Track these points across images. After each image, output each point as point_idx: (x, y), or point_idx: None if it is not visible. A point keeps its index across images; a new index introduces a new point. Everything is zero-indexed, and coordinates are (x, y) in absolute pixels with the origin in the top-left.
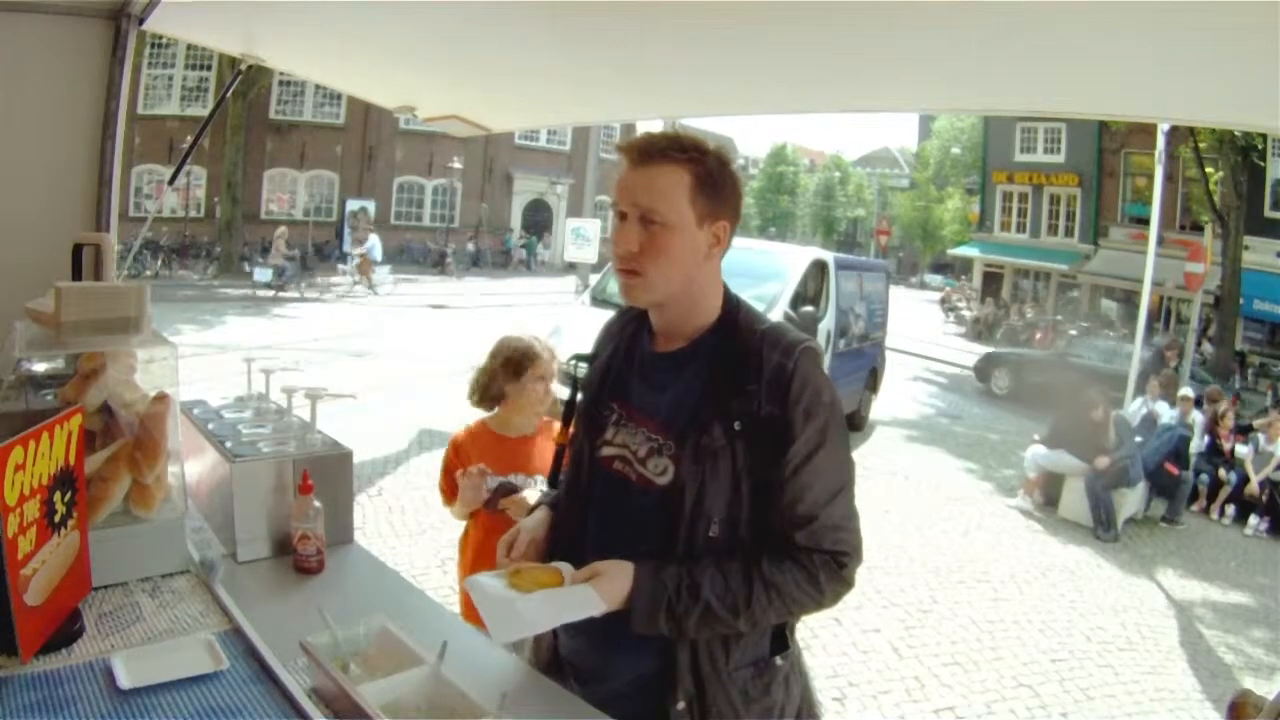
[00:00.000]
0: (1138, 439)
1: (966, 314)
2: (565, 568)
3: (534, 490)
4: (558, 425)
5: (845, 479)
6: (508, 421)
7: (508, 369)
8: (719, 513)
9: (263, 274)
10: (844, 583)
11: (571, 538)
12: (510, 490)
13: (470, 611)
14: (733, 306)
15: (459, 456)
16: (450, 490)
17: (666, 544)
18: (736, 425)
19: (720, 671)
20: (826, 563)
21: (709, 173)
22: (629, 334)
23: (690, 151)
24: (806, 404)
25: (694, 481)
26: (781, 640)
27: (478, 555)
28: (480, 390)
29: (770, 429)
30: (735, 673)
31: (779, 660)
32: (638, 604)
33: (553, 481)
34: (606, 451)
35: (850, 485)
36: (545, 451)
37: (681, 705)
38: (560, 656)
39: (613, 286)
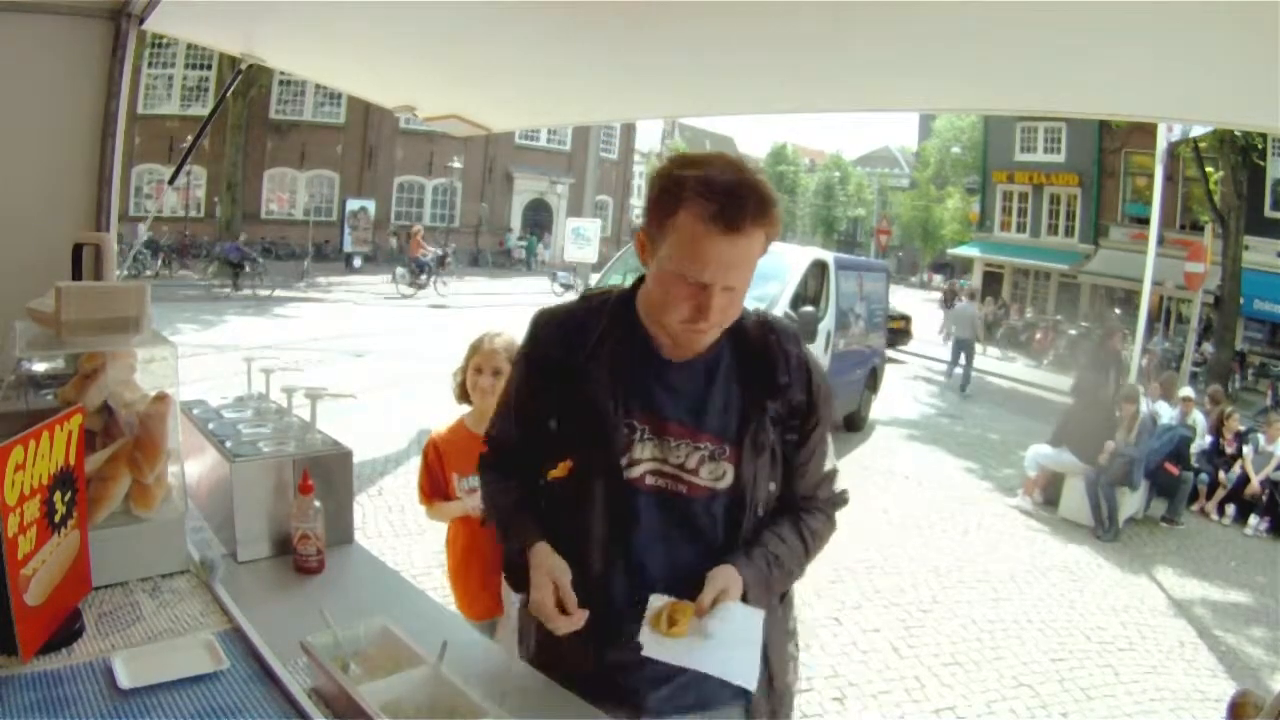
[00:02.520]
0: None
1: None
2: (664, 599)
3: None
4: None
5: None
6: (481, 418)
7: (465, 362)
8: (765, 496)
9: (565, 277)
10: (840, 510)
11: (579, 562)
12: None
13: (464, 607)
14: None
15: (438, 455)
16: (430, 490)
17: (730, 539)
18: (774, 415)
19: None
20: (835, 503)
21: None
22: (615, 343)
23: (773, 210)
24: (822, 386)
25: (751, 476)
26: None
27: (466, 556)
28: (456, 386)
29: (799, 413)
30: None
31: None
32: (751, 595)
33: None
34: (638, 470)
35: None
36: None
37: None
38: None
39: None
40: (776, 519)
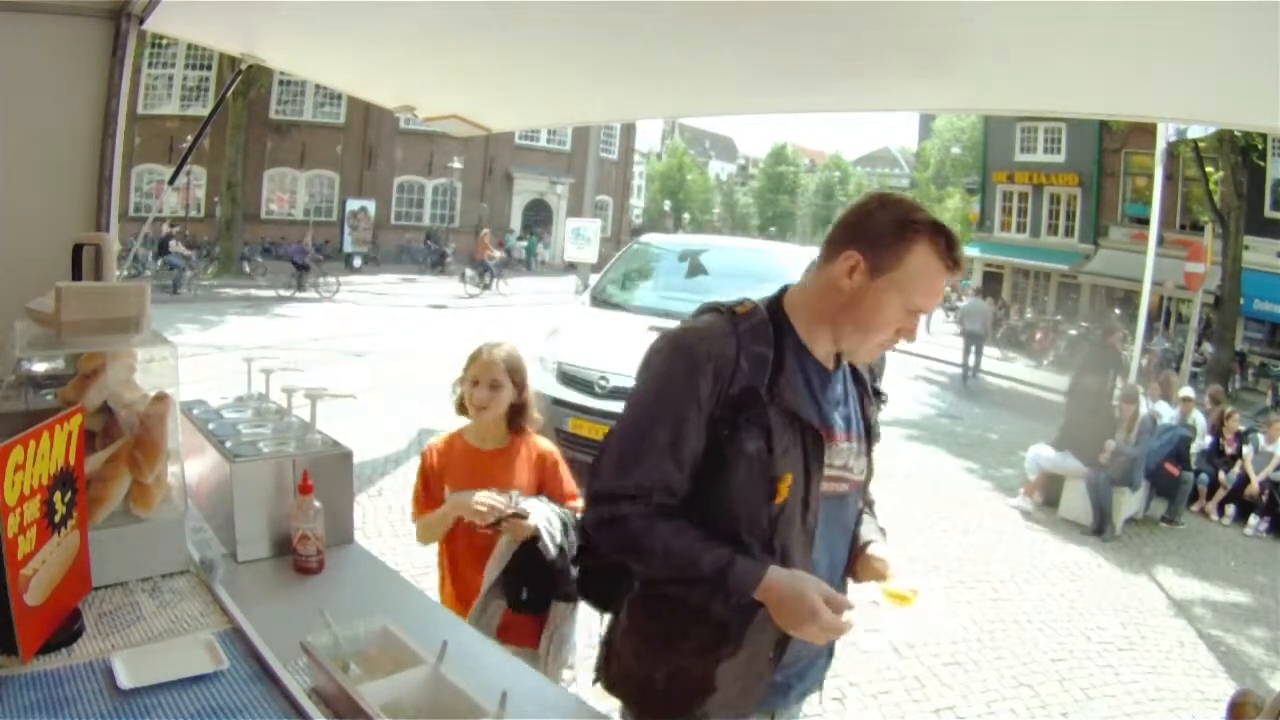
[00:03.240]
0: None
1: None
2: (875, 589)
3: (535, 511)
4: (540, 441)
5: None
6: (480, 433)
7: (463, 373)
8: None
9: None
10: None
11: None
12: (521, 515)
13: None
14: None
15: (433, 467)
16: (427, 501)
17: (856, 523)
18: (874, 411)
19: None
20: None
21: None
22: (790, 359)
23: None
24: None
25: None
26: None
27: (455, 579)
28: (455, 399)
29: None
30: None
31: None
32: None
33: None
34: (823, 484)
35: None
36: (520, 467)
37: None
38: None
39: (613, 287)
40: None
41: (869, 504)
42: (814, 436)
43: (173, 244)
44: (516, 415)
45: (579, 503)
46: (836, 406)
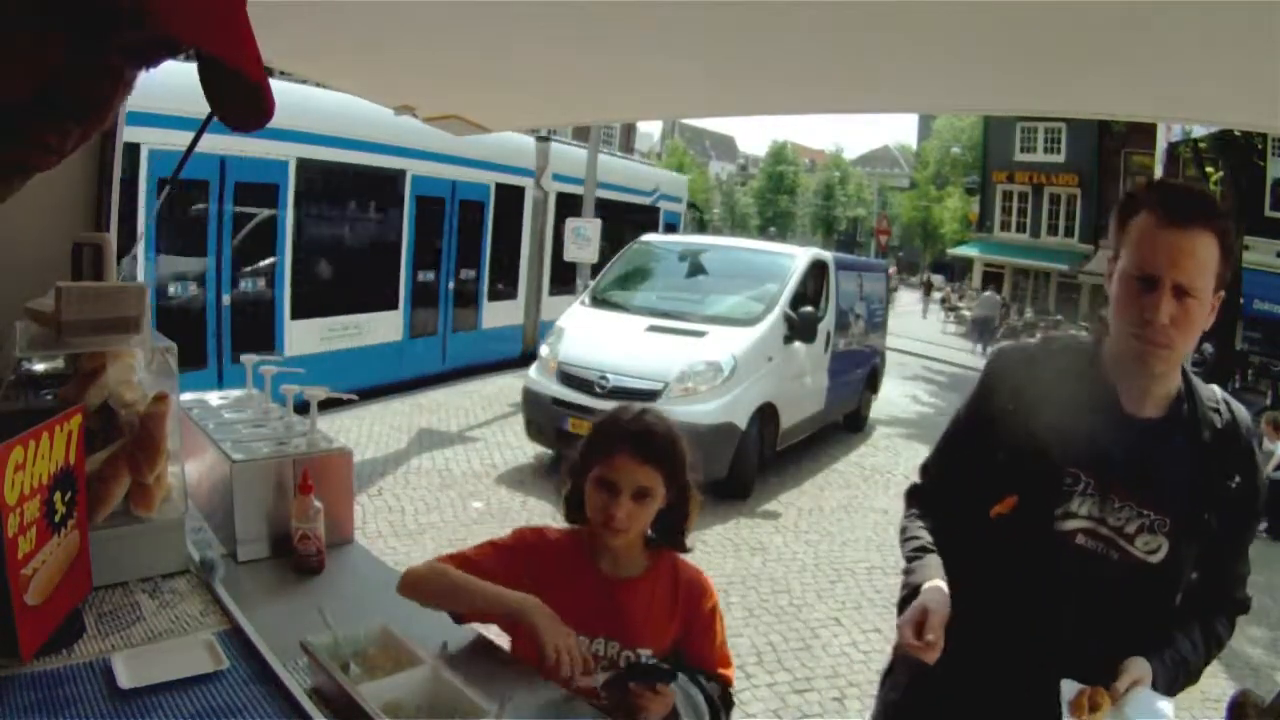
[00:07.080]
0: None
1: (966, 313)
2: (1078, 686)
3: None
4: (689, 563)
5: None
6: (607, 549)
7: (580, 462)
8: (1185, 582)
9: None
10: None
11: (995, 615)
12: (644, 674)
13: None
14: (1184, 370)
15: (518, 565)
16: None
17: (1148, 620)
18: (1221, 501)
19: None
20: (1241, 607)
21: (1230, 238)
22: (1069, 387)
23: (1222, 216)
24: (1263, 477)
25: (1188, 559)
26: None
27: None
28: (562, 501)
29: (1242, 503)
30: None
31: None
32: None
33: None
34: (1071, 525)
35: None
36: (657, 603)
37: None
38: None
39: (613, 287)
40: (1187, 616)
41: (1205, 628)
42: (1045, 470)
43: None
44: (669, 528)
45: (731, 671)
46: (1140, 464)
